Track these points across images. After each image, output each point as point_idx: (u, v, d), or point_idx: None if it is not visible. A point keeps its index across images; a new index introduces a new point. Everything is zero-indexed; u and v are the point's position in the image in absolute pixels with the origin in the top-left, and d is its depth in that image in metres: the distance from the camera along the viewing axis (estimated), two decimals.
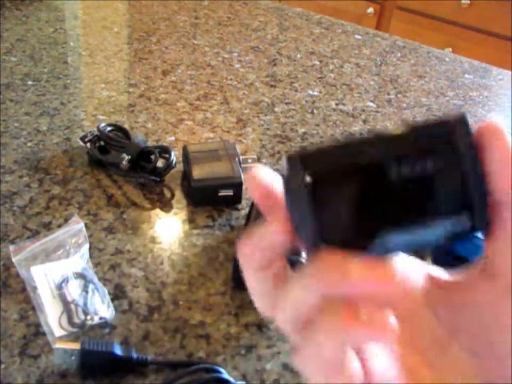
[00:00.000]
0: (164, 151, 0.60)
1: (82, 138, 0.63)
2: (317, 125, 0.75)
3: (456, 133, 0.23)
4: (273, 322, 0.43)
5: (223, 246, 0.54)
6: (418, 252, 0.26)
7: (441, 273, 0.27)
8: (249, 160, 0.62)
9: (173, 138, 0.68)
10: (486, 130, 0.23)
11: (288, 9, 1.12)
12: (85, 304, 0.45)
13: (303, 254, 0.23)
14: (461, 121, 0.23)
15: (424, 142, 0.23)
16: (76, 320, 0.44)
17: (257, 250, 0.22)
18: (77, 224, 0.52)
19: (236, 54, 0.91)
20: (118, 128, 0.64)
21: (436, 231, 0.23)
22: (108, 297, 0.46)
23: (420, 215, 0.23)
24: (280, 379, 0.43)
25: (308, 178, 0.22)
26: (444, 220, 0.23)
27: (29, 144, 0.64)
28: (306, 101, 0.80)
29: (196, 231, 0.55)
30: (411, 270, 0.27)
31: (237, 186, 0.58)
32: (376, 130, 0.23)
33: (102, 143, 0.62)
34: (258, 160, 0.65)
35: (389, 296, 0.21)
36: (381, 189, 0.23)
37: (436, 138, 0.23)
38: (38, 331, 0.43)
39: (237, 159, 0.60)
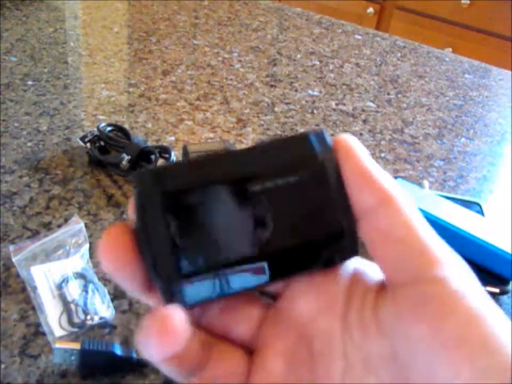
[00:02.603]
0: (164, 151, 0.61)
1: (82, 138, 0.63)
2: (317, 125, 0.75)
3: (316, 149, 0.20)
4: None
5: None
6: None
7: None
8: None
9: (173, 138, 0.68)
10: (339, 147, 0.21)
11: (288, 9, 1.12)
12: (85, 304, 0.45)
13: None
14: (320, 137, 0.21)
15: (282, 158, 0.20)
16: (76, 320, 0.44)
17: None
18: (77, 224, 0.52)
19: (236, 54, 0.91)
20: (118, 128, 0.64)
21: (307, 255, 0.21)
22: (108, 297, 0.46)
23: (284, 237, 0.20)
24: None
25: (161, 195, 0.19)
26: (313, 243, 0.21)
27: (29, 144, 0.64)
28: (306, 101, 0.80)
29: None
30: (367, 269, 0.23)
31: None
32: (239, 148, 0.21)
33: (102, 143, 0.62)
34: None
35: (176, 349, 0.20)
36: (236, 210, 0.20)
37: (294, 154, 0.20)
38: (38, 331, 0.43)
39: None
